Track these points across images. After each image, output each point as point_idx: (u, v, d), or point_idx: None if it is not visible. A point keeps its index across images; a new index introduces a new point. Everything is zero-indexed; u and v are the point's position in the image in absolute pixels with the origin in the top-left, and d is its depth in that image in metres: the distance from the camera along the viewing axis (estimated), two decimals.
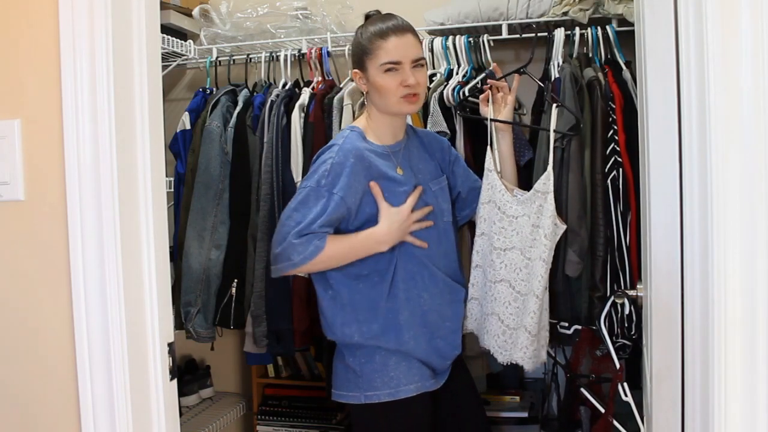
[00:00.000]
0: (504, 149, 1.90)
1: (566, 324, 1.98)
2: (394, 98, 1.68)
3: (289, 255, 1.61)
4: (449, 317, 1.78)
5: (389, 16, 1.72)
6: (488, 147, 1.91)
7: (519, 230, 1.82)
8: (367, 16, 1.77)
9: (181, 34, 2.62)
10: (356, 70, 1.75)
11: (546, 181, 1.80)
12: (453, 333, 1.79)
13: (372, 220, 1.68)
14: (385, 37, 1.67)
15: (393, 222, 1.67)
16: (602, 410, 1.84)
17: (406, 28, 1.70)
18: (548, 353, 2.06)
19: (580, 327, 1.97)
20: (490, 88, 1.92)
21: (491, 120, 1.91)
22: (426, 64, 1.75)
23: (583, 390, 1.90)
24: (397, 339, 1.69)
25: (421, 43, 1.78)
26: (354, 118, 2.13)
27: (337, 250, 1.64)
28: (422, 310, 1.71)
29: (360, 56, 1.72)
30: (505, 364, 1.80)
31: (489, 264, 1.84)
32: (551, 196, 1.78)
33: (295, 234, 1.61)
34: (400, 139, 1.78)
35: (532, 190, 1.82)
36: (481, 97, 1.96)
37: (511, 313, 1.80)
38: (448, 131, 2.08)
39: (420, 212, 1.74)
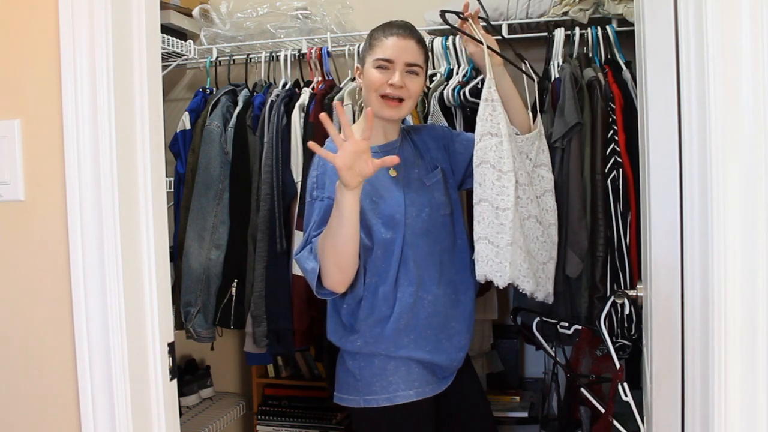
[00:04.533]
0: (505, 86, 1.81)
1: (566, 324, 1.98)
2: (375, 95, 1.67)
3: (305, 269, 1.64)
4: (455, 317, 1.74)
5: (405, 23, 1.74)
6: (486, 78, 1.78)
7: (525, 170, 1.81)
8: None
9: (181, 34, 2.62)
10: (357, 65, 1.80)
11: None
12: (458, 334, 1.74)
13: (361, 212, 1.59)
14: (388, 35, 1.69)
15: (342, 153, 1.47)
16: (602, 410, 1.84)
17: (411, 33, 1.70)
18: (548, 353, 2.06)
19: (580, 327, 1.97)
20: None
21: (487, 48, 1.78)
22: (422, 74, 1.71)
23: (583, 390, 1.90)
24: (396, 344, 1.66)
25: (425, 54, 1.74)
26: (354, 119, 2.13)
27: (326, 234, 1.56)
28: (426, 312, 1.68)
29: (363, 51, 1.76)
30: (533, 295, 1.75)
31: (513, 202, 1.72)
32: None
33: (299, 249, 1.66)
34: (393, 139, 1.76)
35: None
36: (464, 38, 1.85)
37: (538, 248, 1.82)
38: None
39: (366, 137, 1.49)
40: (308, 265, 1.61)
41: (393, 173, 1.72)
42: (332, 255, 1.55)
